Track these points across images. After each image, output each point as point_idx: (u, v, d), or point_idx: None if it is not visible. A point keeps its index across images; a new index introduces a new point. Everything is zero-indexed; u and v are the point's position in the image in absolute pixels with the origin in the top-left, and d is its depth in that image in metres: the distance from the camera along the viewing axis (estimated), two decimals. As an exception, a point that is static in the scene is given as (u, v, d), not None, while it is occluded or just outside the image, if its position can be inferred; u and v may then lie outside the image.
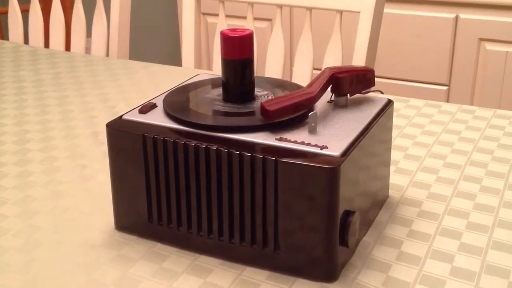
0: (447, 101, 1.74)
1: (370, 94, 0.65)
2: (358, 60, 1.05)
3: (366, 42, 1.03)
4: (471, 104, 1.71)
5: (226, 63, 0.60)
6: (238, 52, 0.59)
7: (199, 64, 1.23)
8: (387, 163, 0.64)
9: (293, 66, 2.00)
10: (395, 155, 0.76)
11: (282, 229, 0.54)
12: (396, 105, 0.92)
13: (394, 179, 0.70)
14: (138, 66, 1.13)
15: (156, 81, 1.05)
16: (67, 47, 1.73)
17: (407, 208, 0.64)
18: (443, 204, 0.65)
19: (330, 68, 0.61)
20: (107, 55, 1.33)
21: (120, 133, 0.58)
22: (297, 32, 1.97)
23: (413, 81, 1.76)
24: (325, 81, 0.59)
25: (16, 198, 0.68)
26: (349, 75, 0.61)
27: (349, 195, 0.54)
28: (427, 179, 0.70)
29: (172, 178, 0.57)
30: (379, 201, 0.64)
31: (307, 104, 0.57)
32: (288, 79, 2.03)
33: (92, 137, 0.83)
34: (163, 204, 0.59)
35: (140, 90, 1.01)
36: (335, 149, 0.53)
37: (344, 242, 0.54)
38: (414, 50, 1.73)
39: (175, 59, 2.77)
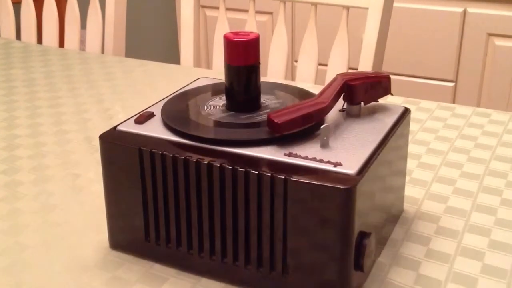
0: (454, 98, 1.69)
1: (385, 102, 0.60)
2: (366, 59, 1.00)
3: (374, 40, 0.98)
4: (479, 101, 1.66)
5: (230, 69, 0.55)
6: (243, 57, 0.54)
7: (198, 61, 1.18)
8: (402, 174, 0.60)
9: (295, 61, 1.95)
10: (408, 163, 0.72)
11: (291, 251, 0.49)
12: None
13: (409, 191, 0.66)
14: (135, 64, 1.08)
15: (154, 80, 1.00)
16: (61, 42, 1.68)
17: (423, 224, 0.60)
18: (462, 219, 0.61)
19: (342, 75, 0.56)
20: (102, 51, 1.28)
21: (115, 146, 0.53)
22: (298, 26, 1.92)
23: (419, 77, 1.71)
24: (337, 90, 0.54)
25: (3, 211, 0.64)
26: (363, 83, 0.56)
27: (364, 215, 0.49)
28: (443, 191, 0.66)
29: (171, 194, 0.53)
30: (393, 216, 0.59)
31: (319, 115, 0.52)
32: (290, 76, 1.98)
33: (85, 142, 0.79)
34: (161, 222, 0.54)
35: (137, 90, 0.96)
36: (350, 166, 0.48)
37: (359, 266, 0.49)
38: (420, 45, 1.68)
39: (173, 54, 2.71)
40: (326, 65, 1.70)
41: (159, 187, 0.53)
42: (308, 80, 1.08)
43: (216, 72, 1.03)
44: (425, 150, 0.74)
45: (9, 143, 0.79)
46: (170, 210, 0.53)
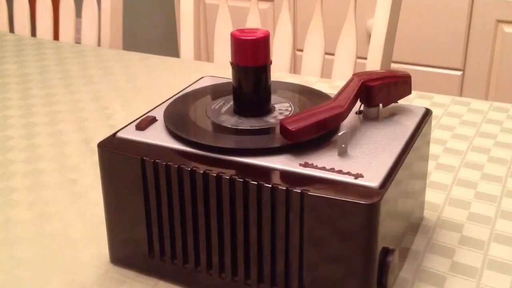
0: (462, 87, 1.64)
1: (404, 103, 0.56)
2: (375, 49, 0.96)
3: (384, 29, 0.94)
4: (487, 90, 1.61)
5: (238, 70, 0.51)
6: (252, 58, 0.50)
7: (198, 53, 1.14)
8: (423, 178, 0.56)
9: (296, 50, 1.89)
10: (425, 164, 0.67)
11: (308, 269, 0.45)
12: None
13: (428, 195, 0.62)
14: (133, 57, 1.04)
15: (153, 75, 0.96)
16: (55, 33, 1.62)
17: (445, 233, 0.56)
18: (487, 227, 0.57)
19: (359, 75, 0.52)
20: (99, 44, 1.23)
21: (115, 156, 0.49)
22: (300, 13, 1.87)
23: (425, 66, 1.66)
24: (355, 92, 0.50)
25: (-4, 223, 0.60)
26: (382, 83, 0.52)
27: (388, 230, 0.45)
28: (465, 195, 0.62)
29: (176, 207, 0.49)
30: (413, 224, 0.55)
31: (336, 121, 0.48)
32: (293, 65, 1.93)
33: (82, 144, 0.74)
34: (166, 236, 0.50)
35: (136, 86, 0.92)
36: (372, 178, 0.44)
37: (381, 284, 0.46)
38: (426, 32, 1.64)
39: (171, 45, 2.65)
40: (331, 54, 1.65)
41: (164, 200, 0.49)
42: (314, 73, 1.03)
43: (219, 66, 0.99)
44: (442, 150, 0.70)
45: (1, 145, 0.74)
46: (175, 224, 0.49)
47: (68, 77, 0.96)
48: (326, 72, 1.50)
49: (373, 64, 0.96)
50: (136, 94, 0.89)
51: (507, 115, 0.78)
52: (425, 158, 0.55)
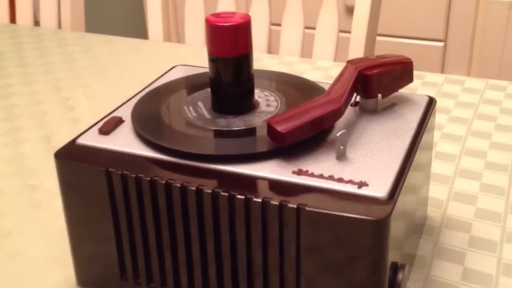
0: (444, 58, 1.59)
1: (404, 92, 0.50)
2: (359, 24, 0.89)
3: (368, 3, 0.87)
4: (470, 61, 1.56)
5: (216, 62, 0.44)
6: (232, 47, 0.43)
7: (167, 32, 1.06)
8: (427, 172, 0.50)
9: (271, 24, 1.81)
10: (422, 153, 0.62)
11: (306, 294, 0.39)
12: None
13: (430, 189, 0.56)
14: (97, 40, 0.95)
15: (119, 60, 0.88)
16: (12, 14, 1.51)
17: (453, 235, 0.50)
18: (497, 225, 0.51)
19: (354, 63, 0.46)
20: (59, 26, 1.14)
21: (75, 167, 0.42)
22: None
23: (405, 37, 1.60)
24: (351, 83, 0.44)
25: None
26: (382, 71, 0.45)
27: (397, 242, 0.39)
28: (469, 188, 0.56)
29: (150, 223, 0.42)
30: (418, 225, 0.50)
31: (332, 118, 0.42)
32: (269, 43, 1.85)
33: (42, 142, 0.67)
34: (139, 256, 0.43)
35: (100, 73, 0.84)
36: (378, 187, 0.38)
37: (390, 305, 0.40)
38: (407, 2, 1.57)
39: (138, 24, 2.54)
40: (310, 28, 1.57)
41: (135, 215, 0.42)
42: (293, 52, 0.96)
43: (191, 48, 0.91)
44: (439, 136, 0.64)
45: (-49, 147, 0.66)
46: (150, 243, 0.43)
47: (26, 65, 0.87)
48: (306, 48, 1.43)
49: (357, 39, 0.90)
50: (101, 82, 0.81)
51: (505, 93, 0.73)
52: (429, 148, 0.49)
